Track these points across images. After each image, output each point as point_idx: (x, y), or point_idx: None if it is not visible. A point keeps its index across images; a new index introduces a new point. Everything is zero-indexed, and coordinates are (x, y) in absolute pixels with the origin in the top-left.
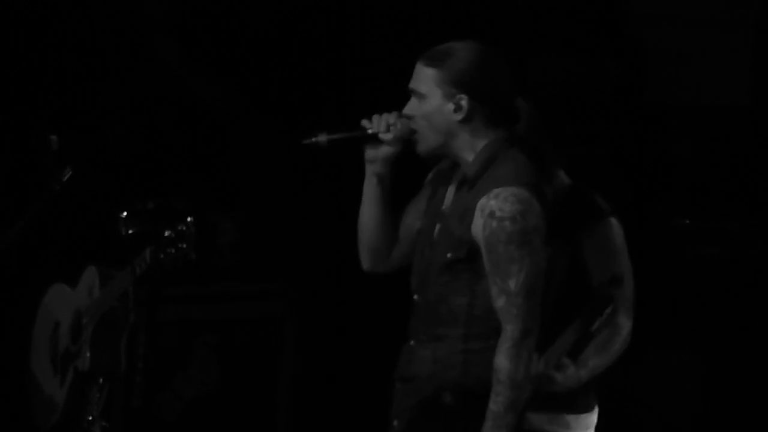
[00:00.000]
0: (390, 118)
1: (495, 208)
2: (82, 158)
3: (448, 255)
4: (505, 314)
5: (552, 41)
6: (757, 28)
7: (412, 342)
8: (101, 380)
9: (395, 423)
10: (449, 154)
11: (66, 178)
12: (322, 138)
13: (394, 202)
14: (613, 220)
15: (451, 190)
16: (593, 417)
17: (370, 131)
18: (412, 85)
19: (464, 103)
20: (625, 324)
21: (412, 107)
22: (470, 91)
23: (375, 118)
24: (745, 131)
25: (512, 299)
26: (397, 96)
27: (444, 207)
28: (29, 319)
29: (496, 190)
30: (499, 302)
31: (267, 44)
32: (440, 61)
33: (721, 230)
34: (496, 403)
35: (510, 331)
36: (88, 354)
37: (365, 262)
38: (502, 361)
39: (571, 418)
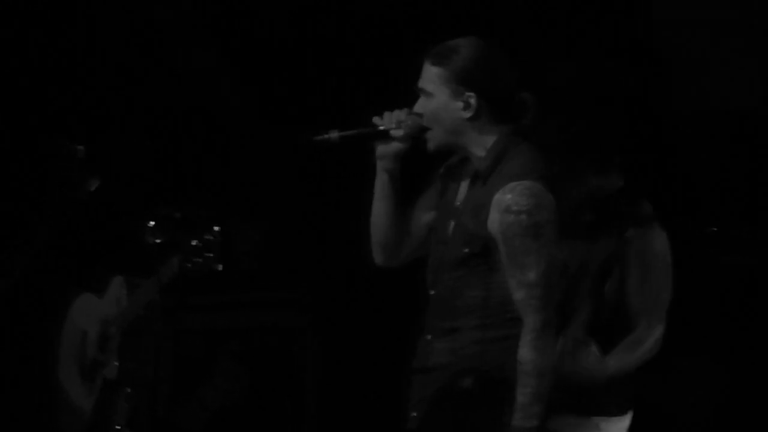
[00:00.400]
0: (400, 114)
1: (511, 203)
2: (108, 168)
3: (465, 250)
4: (525, 306)
5: (571, 48)
6: None
7: (428, 336)
8: (128, 389)
9: (413, 414)
10: (459, 150)
11: (93, 188)
12: (334, 135)
13: (404, 198)
14: (658, 227)
15: (463, 186)
16: (625, 422)
17: (381, 128)
18: (420, 83)
19: (472, 101)
20: (657, 330)
21: (420, 105)
22: (477, 89)
23: (386, 115)
24: None
25: (532, 291)
26: (409, 94)
27: (457, 203)
28: (57, 329)
29: (510, 185)
30: (519, 295)
31: (287, 51)
32: (446, 59)
33: (745, 238)
34: (524, 395)
35: (531, 322)
36: (115, 363)
37: (377, 258)
38: (526, 352)
39: (601, 421)
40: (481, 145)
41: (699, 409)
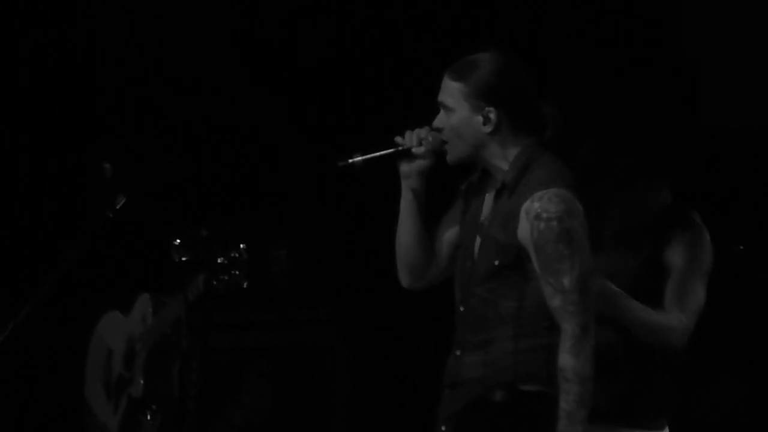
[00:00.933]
0: (421, 132)
1: (541, 210)
2: (135, 186)
3: (496, 263)
4: (562, 313)
5: (604, 64)
6: None
7: (458, 352)
8: (154, 407)
9: (443, 429)
10: (479, 163)
11: (119, 205)
12: (357, 159)
13: (429, 218)
14: (707, 235)
15: (488, 200)
16: None
17: (402, 147)
18: (440, 98)
19: (492, 115)
20: (686, 324)
21: (441, 120)
22: (497, 103)
23: (407, 133)
24: None
25: (568, 297)
26: (430, 109)
27: (482, 218)
28: (83, 347)
29: (539, 193)
30: (555, 302)
31: (316, 69)
32: (465, 74)
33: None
34: (567, 402)
35: (570, 329)
36: (141, 381)
37: (404, 280)
38: (567, 359)
39: None
40: (503, 158)
41: (728, 427)
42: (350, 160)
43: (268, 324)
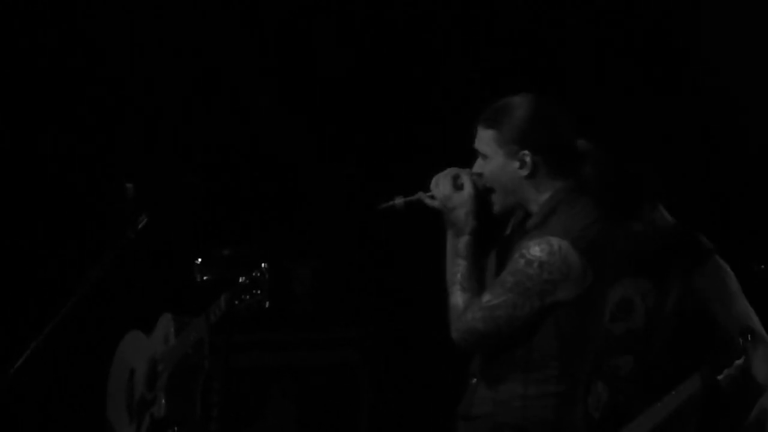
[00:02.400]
0: (438, 178)
1: (526, 249)
2: (157, 206)
3: None
4: (467, 311)
5: (621, 87)
6: None
7: (473, 380)
8: (176, 428)
9: None
10: (522, 208)
11: (141, 225)
12: (399, 201)
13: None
14: (721, 260)
15: (515, 240)
16: None
17: (430, 205)
18: (476, 146)
19: (528, 159)
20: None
21: (480, 165)
22: (532, 146)
23: (434, 189)
24: None
25: (482, 310)
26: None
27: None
28: (105, 367)
29: (538, 238)
30: (475, 304)
31: (342, 88)
32: (497, 121)
33: None
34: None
35: (455, 331)
36: (163, 401)
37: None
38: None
39: None
40: (536, 201)
41: None
42: (391, 202)
43: (290, 344)
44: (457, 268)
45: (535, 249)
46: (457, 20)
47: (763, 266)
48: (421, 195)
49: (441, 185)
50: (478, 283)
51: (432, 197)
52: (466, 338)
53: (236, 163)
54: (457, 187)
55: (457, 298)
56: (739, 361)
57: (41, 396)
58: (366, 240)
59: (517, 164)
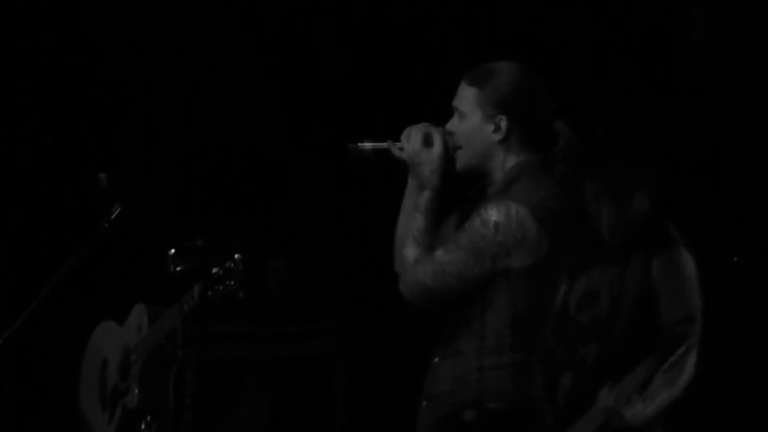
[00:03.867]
0: (410, 131)
1: (484, 210)
2: (131, 196)
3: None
4: (418, 264)
5: (610, 80)
6: None
7: (436, 359)
8: (149, 417)
9: None
10: (484, 173)
11: (114, 215)
12: (366, 145)
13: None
14: (685, 251)
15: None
16: None
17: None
18: (455, 103)
19: (503, 123)
20: (694, 349)
21: (453, 124)
22: (510, 112)
23: (404, 141)
24: None
25: (432, 263)
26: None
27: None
28: (78, 357)
29: (500, 201)
30: (427, 254)
31: (316, 79)
32: (482, 81)
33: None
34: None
35: (402, 278)
36: (136, 391)
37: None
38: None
39: None
40: (501, 169)
41: None
42: (359, 144)
43: (264, 335)
44: (414, 222)
45: (493, 211)
46: (456, 20)
47: (736, 258)
48: (389, 144)
49: (412, 139)
50: (432, 239)
51: (401, 149)
52: (413, 290)
53: (212, 154)
54: (428, 143)
55: (410, 250)
56: (680, 350)
57: (14, 387)
58: (340, 231)
59: (491, 127)
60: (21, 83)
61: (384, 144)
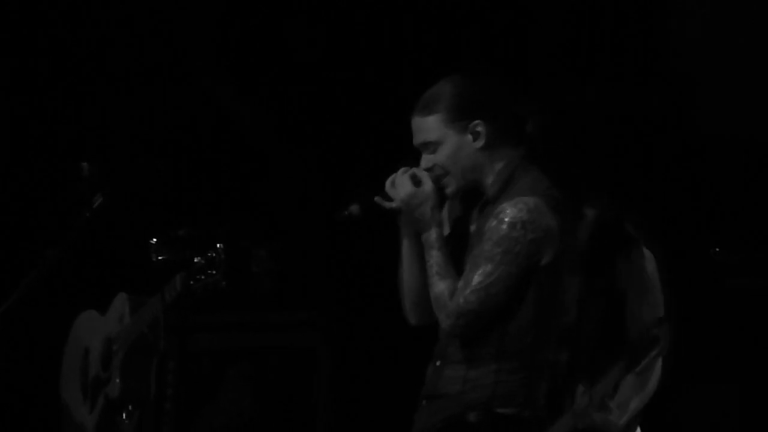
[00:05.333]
0: (394, 179)
1: (503, 210)
2: (113, 185)
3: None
4: (453, 301)
5: (595, 71)
6: None
7: (438, 363)
8: (131, 407)
9: None
10: (476, 186)
11: (96, 204)
12: (355, 209)
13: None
14: (646, 250)
15: (474, 215)
16: None
17: (393, 207)
18: (420, 139)
19: (480, 128)
20: (660, 360)
21: (428, 160)
22: (479, 115)
23: (389, 189)
24: None
25: (469, 289)
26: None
27: (471, 229)
28: (60, 346)
29: (515, 200)
30: (462, 283)
31: (301, 69)
32: (436, 105)
33: (756, 261)
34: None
35: (446, 316)
36: (117, 381)
37: (413, 318)
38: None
39: None
40: (491, 172)
41: None
42: (347, 211)
43: (248, 325)
44: (432, 260)
45: (513, 210)
46: (424, 11)
47: (717, 249)
48: (378, 200)
49: (399, 186)
50: (454, 269)
51: (390, 199)
52: (460, 323)
53: (196, 143)
54: (416, 184)
55: (441, 286)
56: (653, 352)
57: None
58: (325, 221)
59: (470, 138)
60: (1, 72)
61: (372, 201)
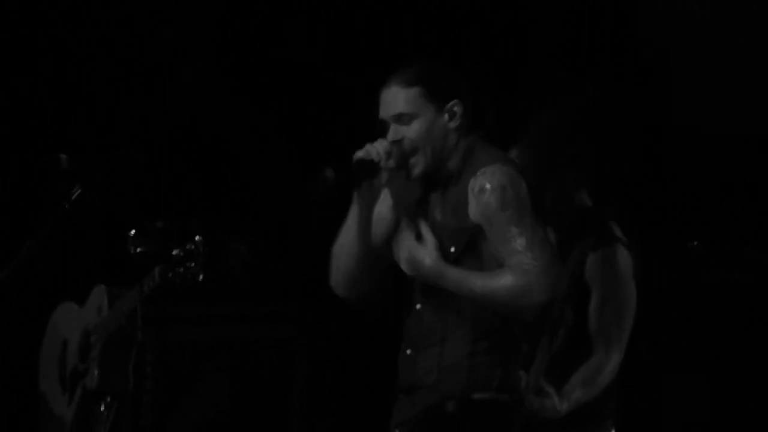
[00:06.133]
0: (386, 145)
1: (484, 182)
2: (91, 177)
3: (452, 250)
4: (520, 271)
5: (572, 65)
6: None
7: (408, 351)
8: (109, 399)
9: None
10: (436, 168)
11: (75, 196)
12: (330, 174)
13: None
14: (624, 250)
15: (434, 198)
16: None
17: (373, 160)
18: (394, 111)
19: (457, 108)
20: (614, 359)
21: (396, 132)
22: (457, 95)
23: (369, 147)
24: (759, 158)
25: (526, 254)
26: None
27: (438, 212)
28: (38, 338)
29: (482, 169)
30: (512, 261)
31: (277, 65)
32: (418, 78)
33: (732, 255)
34: (484, 285)
35: (537, 291)
36: (96, 372)
37: (343, 288)
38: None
39: None
40: (455, 151)
41: (687, 426)
42: (321, 176)
43: (226, 317)
44: (470, 280)
45: (490, 178)
46: (424, 11)
47: (696, 243)
48: (357, 154)
49: (370, 150)
50: (476, 268)
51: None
52: (552, 279)
53: (173, 136)
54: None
55: (500, 282)
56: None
57: None
58: (304, 213)
59: (446, 117)
60: None
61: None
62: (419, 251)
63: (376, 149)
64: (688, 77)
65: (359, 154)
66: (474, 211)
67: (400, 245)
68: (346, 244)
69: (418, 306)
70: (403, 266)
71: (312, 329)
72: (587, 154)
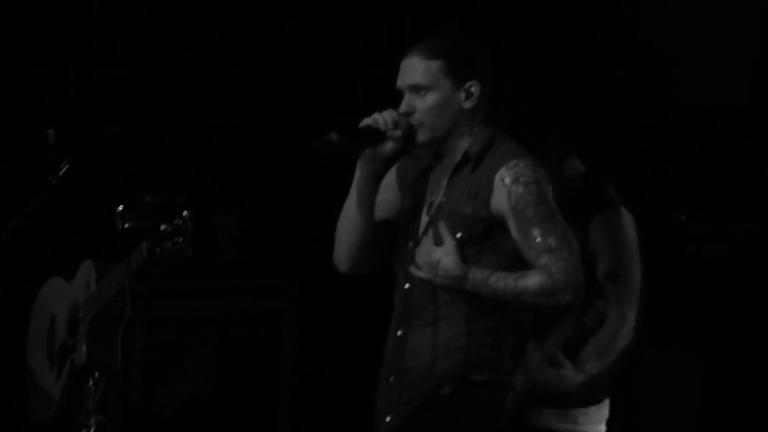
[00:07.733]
0: (394, 115)
1: (518, 175)
2: (79, 152)
3: (458, 235)
4: (551, 271)
5: (554, 43)
6: (760, 28)
7: (399, 332)
8: (97, 374)
9: (388, 419)
10: (443, 145)
11: (63, 171)
12: (334, 137)
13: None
14: (625, 211)
15: (438, 178)
16: (603, 411)
17: (381, 129)
18: (412, 81)
19: (474, 89)
20: (629, 320)
21: (409, 104)
22: (478, 76)
23: (377, 116)
24: (745, 130)
25: (556, 254)
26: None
27: (434, 197)
28: (26, 313)
29: (513, 162)
30: (542, 260)
31: (263, 40)
32: (441, 51)
33: (721, 228)
34: (509, 284)
35: (562, 291)
36: (84, 348)
37: (345, 264)
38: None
39: (578, 413)
40: (469, 134)
41: (676, 400)
42: (325, 139)
43: (214, 292)
44: (498, 282)
45: (525, 171)
46: (424, 11)
47: (684, 217)
48: (365, 122)
49: (378, 118)
50: (499, 267)
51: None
52: (580, 280)
53: (161, 111)
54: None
55: (529, 282)
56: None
57: None
58: (291, 187)
59: (462, 95)
60: None
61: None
62: (438, 252)
63: (383, 117)
64: (680, 51)
65: (366, 120)
66: (501, 202)
67: (420, 250)
68: (348, 218)
69: (407, 285)
70: (423, 270)
71: (299, 303)
72: (566, 116)
